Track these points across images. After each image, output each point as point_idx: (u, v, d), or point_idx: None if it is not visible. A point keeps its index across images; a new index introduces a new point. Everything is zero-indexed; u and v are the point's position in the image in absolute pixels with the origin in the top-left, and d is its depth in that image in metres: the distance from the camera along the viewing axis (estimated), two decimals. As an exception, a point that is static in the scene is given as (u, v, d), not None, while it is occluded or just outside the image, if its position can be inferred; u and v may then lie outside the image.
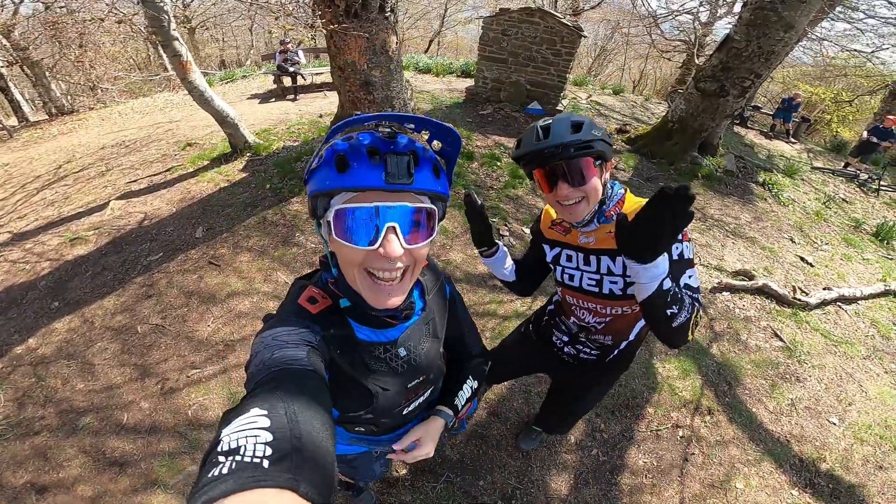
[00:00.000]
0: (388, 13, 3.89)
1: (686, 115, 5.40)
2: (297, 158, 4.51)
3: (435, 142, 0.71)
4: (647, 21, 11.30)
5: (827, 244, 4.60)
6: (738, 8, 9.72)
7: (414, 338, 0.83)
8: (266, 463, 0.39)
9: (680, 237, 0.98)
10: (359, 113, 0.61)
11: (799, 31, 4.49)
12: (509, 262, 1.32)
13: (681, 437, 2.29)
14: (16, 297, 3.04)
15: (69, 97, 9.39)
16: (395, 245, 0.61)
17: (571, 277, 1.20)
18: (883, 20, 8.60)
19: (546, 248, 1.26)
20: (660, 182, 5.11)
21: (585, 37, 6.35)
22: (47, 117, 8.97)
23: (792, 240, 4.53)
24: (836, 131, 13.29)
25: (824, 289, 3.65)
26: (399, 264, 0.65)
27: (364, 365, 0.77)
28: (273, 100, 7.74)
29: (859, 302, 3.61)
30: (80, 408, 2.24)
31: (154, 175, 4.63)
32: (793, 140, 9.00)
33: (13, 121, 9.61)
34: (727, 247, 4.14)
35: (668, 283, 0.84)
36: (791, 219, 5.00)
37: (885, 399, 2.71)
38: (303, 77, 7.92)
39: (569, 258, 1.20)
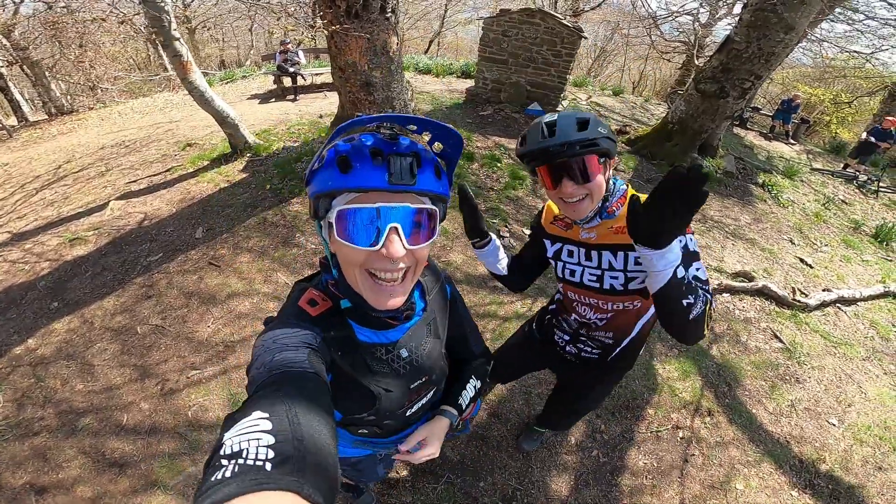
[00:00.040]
0: (389, 14, 3.89)
1: (686, 116, 5.41)
2: (297, 159, 4.51)
3: (436, 143, 0.71)
4: (646, 22, 11.32)
5: (826, 245, 4.61)
6: (738, 9, 9.77)
7: (415, 339, 0.83)
8: (269, 466, 0.39)
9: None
10: (360, 114, 0.61)
11: (799, 32, 4.50)
12: (503, 256, 1.33)
13: (681, 439, 2.29)
14: (15, 298, 3.03)
15: (69, 97, 9.38)
16: (398, 246, 0.62)
17: (572, 273, 1.20)
18: (882, 21, 8.62)
19: (547, 243, 1.26)
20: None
21: (585, 38, 6.36)
22: (47, 117, 8.96)
23: (791, 241, 4.53)
24: (836, 132, 13.32)
25: (824, 290, 3.66)
26: (401, 265, 0.65)
27: (366, 366, 0.77)
28: (273, 100, 7.73)
29: (859, 303, 3.62)
30: (80, 408, 2.24)
31: (154, 175, 4.63)
32: (792, 141, 9.02)
33: (13, 120, 9.60)
34: (727, 248, 4.14)
35: (682, 271, 0.81)
36: (790, 220, 5.01)
37: (885, 400, 2.71)
38: (303, 77, 7.91)
39: (570, 253, 1.20)
